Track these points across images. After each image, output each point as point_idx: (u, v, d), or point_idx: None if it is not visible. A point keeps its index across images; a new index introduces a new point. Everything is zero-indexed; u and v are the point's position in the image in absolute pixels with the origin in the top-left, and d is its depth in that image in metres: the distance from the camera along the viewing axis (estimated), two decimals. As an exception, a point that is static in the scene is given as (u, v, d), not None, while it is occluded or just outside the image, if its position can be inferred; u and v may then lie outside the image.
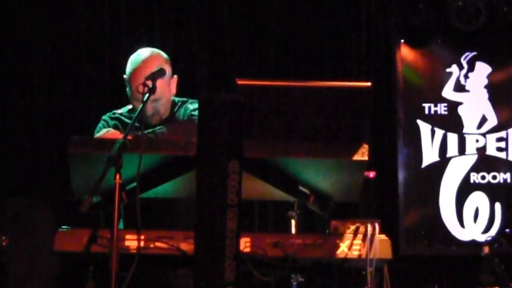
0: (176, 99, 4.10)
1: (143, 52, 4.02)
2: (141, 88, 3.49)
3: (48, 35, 6.84)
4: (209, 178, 2.78)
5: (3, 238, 5.46)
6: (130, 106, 4.04)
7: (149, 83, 3.50)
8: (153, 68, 3.82)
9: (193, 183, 2.83)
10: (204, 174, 2.79)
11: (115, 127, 3.97)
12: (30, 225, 5.78)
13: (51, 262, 5.51)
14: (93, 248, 2.97)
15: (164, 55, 4.06)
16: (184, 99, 4.12)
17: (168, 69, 3.97)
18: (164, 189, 3.27)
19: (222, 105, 2.77)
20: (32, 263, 5.66)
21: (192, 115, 3.91)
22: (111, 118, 4.04)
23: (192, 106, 4.00)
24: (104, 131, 3.77)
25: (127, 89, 4.00)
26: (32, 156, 6.71)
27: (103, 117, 4.06)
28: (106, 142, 3.08)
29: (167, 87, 3.99)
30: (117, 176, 2.88)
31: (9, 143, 6.70)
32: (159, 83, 3.64)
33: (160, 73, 3.71)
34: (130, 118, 3.97)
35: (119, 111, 4.08)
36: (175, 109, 4.06)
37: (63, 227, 3.10)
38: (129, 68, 3.99)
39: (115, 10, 6.93)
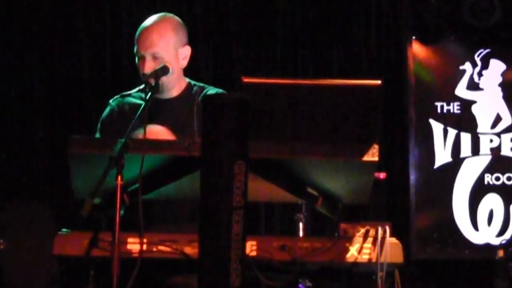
0: (192, 82, 4.06)
1: (150, 19, 3.99)
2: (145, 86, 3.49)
3: (46, 30, 6.85)
4: (214, 179, 2.77)
5: (1, 241, 5.46)
6: (141, 86, 3.96)
7: (152, 81, 3.50)
8: (158, 37, 3.84)
9: (197, 184, 2.82)
10: (208, 175, 2.78)
11: (122, 111, 3.94)
12: (28, 228, 5.78)
13: (50, 266, 5.51)
14: (94, 251, 2.97)
15: (176, 19, 4.04)
16: (201, 84, 4.08)
17: (176, 37, 3.95)
18: (167, 191, 3.26)
19: (227, 104, 2.77)
20: (30, 267, 5.67)
21: None
22: (119, 102, 3.99)
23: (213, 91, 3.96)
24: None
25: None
26: (30, 156, 6.71)
27: (110, 102, 4.03)
28: (108, 142, 3.07)
29: (175, 57, 3.96)
30: (119, 177, 2.88)
31: (7, 143, 6.71)
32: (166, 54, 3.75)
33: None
34: (140, 98, 3.92)
35: (128, 92, 4.04)
36: (193, 92, 4.01)
37: (62, 230, 3.10)
38: (136, 36, 3.98)
39: (117, 6, 6.95)
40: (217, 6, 7.03)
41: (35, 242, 5.58)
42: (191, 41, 4.01)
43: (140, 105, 3.45)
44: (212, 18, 7.01)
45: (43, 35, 6.83)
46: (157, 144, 3.16)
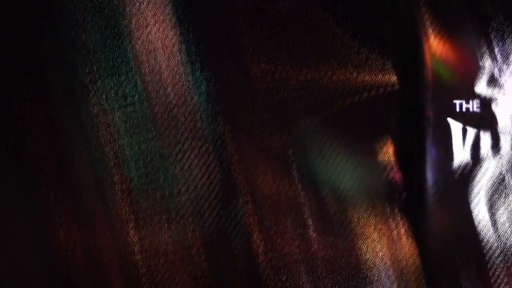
0: None
1: None
2: None
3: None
4: (220, 175, 2.76)
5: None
6: None
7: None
8: None
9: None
10: (214, 170, 2.77)
11: None
12: (21, 221, 5.78)
13: (41, 262, 5.52)
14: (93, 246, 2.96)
15: None
16: None
17: None
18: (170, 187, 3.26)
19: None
20: (22, 265, 5.67)
21: None
22: None
23: None
24: None
25: None
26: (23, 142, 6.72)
27: None
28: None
29: None
30: (118, 169, 2.87)
31: None
32: None
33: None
34: None
35: None
36: None
37: (54, 222, 3.09)
38: None
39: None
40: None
41: (26, 238, 5.58)
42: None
43: None
44: (216, 13, 7.02)
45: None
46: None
